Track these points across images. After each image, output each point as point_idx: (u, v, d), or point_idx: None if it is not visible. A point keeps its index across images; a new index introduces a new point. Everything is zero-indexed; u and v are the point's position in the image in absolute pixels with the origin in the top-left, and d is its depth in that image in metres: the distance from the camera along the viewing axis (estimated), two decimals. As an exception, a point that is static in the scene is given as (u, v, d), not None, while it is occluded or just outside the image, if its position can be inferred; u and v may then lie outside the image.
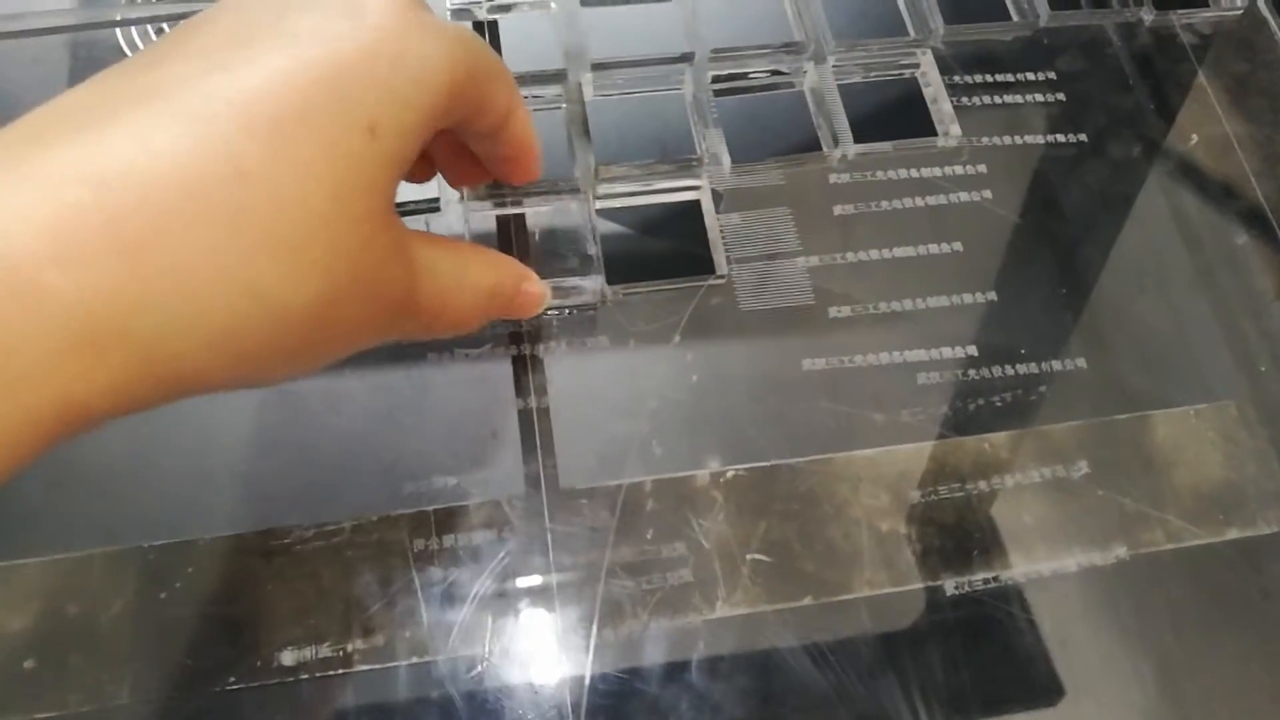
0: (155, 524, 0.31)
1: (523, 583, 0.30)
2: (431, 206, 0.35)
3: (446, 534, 0.31)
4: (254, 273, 0.18)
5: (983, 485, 0.33)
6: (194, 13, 0.38)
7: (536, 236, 0.35)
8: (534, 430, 0.32)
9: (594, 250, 0.34)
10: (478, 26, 0.40)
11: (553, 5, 0.40)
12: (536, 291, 0.28)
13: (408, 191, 0.35)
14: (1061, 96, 0.39)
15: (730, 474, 0.32)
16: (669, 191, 0.36)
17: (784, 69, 0.38)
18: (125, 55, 0.39)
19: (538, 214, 0.35)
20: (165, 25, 0.40)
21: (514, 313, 0.28)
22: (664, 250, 0.35)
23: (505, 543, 0.31)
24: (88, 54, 0.39)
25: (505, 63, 0.27)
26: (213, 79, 0.19)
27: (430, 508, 0.32)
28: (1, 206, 0.16)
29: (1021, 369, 0.34)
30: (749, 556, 0.32)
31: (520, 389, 0.33)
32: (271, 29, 0.20)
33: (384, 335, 0.23)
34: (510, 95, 0.26)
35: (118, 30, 0.39)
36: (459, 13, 0.40)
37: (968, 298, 0.35)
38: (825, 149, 0.37)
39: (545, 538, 0.31)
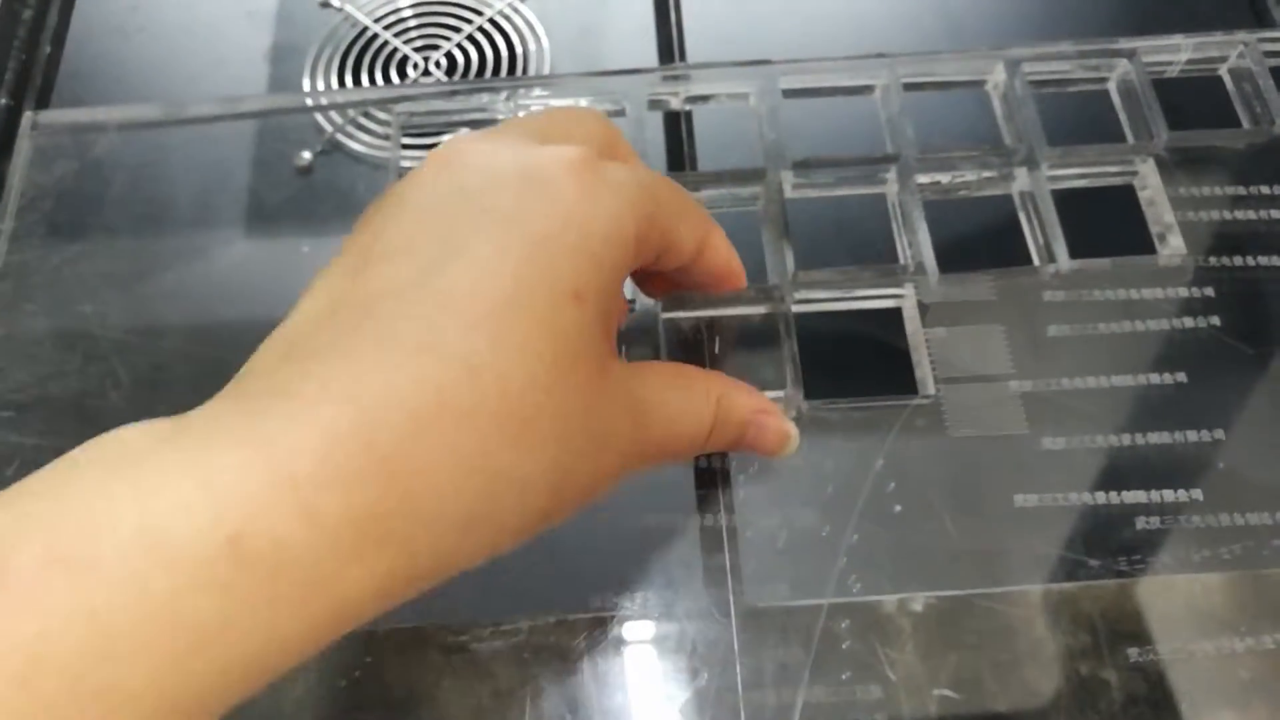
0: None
1: (708, 708, 0.29)
2: (628, 305, 0.34)
3: (625, 644, 0.31)
4: (494, 458, 0.19)
5: (1198, 637, 0.30)
6: (376, 101, 0.40)
7: (730, 343, 0.34)
8: (722, 549, 0.31)
9: (791, 360, 0.33)
10: (673, 117, 0.40)
11: (752, 99, 0.39)
12: (778, 428, 0.28)
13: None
14: (1299, 213, 0.36)
15: (920, 603, 0.31)
16: (871, 299, 0.35)
17: (993, 174, 0.37)
18: (315, 136, 0.40)
19: (731, 319, 0.34)
20: (352, 112, 0.41)
21: (750, 446, 0.28)
22: (866, 363, 0.34)
23: (689, 662, 0.30)
24: (276, 140, 0.40)
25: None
26: (431, 284, 0.20)
27: (611, 615, 0.31)
28: (281, 432, 0.18)
29: (1252, 518, 0.31)
30: (936, 692, 0.30)
31: (707, 504, 0.32)
32: (468, 220, 0.21)
33: (617, 479, 0.23)
34: (700, 230, 0.27)
35: (316, 115, 0.41)
36: (655, 103, 0.40)
37: (1192, 435, 0.32)
38: (1037, 261, 0.35)
39: (734, 662, 0.30)
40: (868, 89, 0.39)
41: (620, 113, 0.39)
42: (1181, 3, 0.44)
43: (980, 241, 0.36)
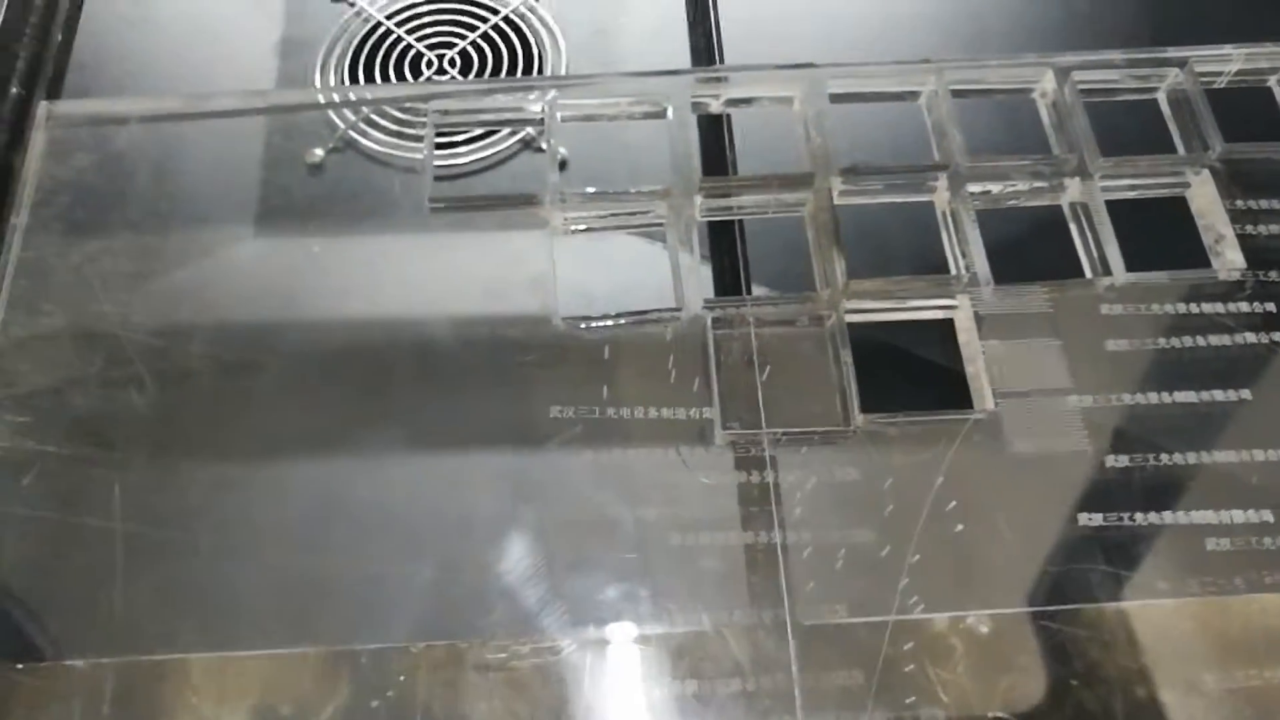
0: (369, 626, 0.30)
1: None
2: (674, 315, 0.33)
3: (677, 665, 0.29)
4: None
5: (1265, 661, 0.30)
6: (408, 98, 0.38)
7: (781, 353, 0.33)
8: (777, 568, 0.30)
9: (844, 371, 0.32)
10: (711, 120, 0.39)
11: (796, 103, 0.38)
12: None
13: (649, 300, 0.33)
14: (1358, 228, 0.36)
15: (984, 622, 0.30)
16: (923, 309, 0.34)
17: (1044, 184, 0.36)
18: (327, 133, 0.39)
19: (782, 329, 0.33)
20: (366, 110, 0.39)
21: None
22: (920, 376, 0.33)
23: (744, 685, 0.29)
24: (286, 137, 0.39)
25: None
26: None
27: (660, 634, 0.30)
28: None
29: (1324, 540, 0.30)
30: (990, 715, 0.29)
31: (758, 522, 0.31)
32: None
33: None
34: None
35: (330, 111, 0.39)
36: (694, 105, 0.38)
37: (1259, 454, 0.31)
38: (1089, 273, 0.34)
39: (791, 685, 0.29)
40: (913, 95, 0.38)
41: (660, 113, 0.38)
42: (1223, 14, 0.43)
43: (1029, 252, 0.36)
